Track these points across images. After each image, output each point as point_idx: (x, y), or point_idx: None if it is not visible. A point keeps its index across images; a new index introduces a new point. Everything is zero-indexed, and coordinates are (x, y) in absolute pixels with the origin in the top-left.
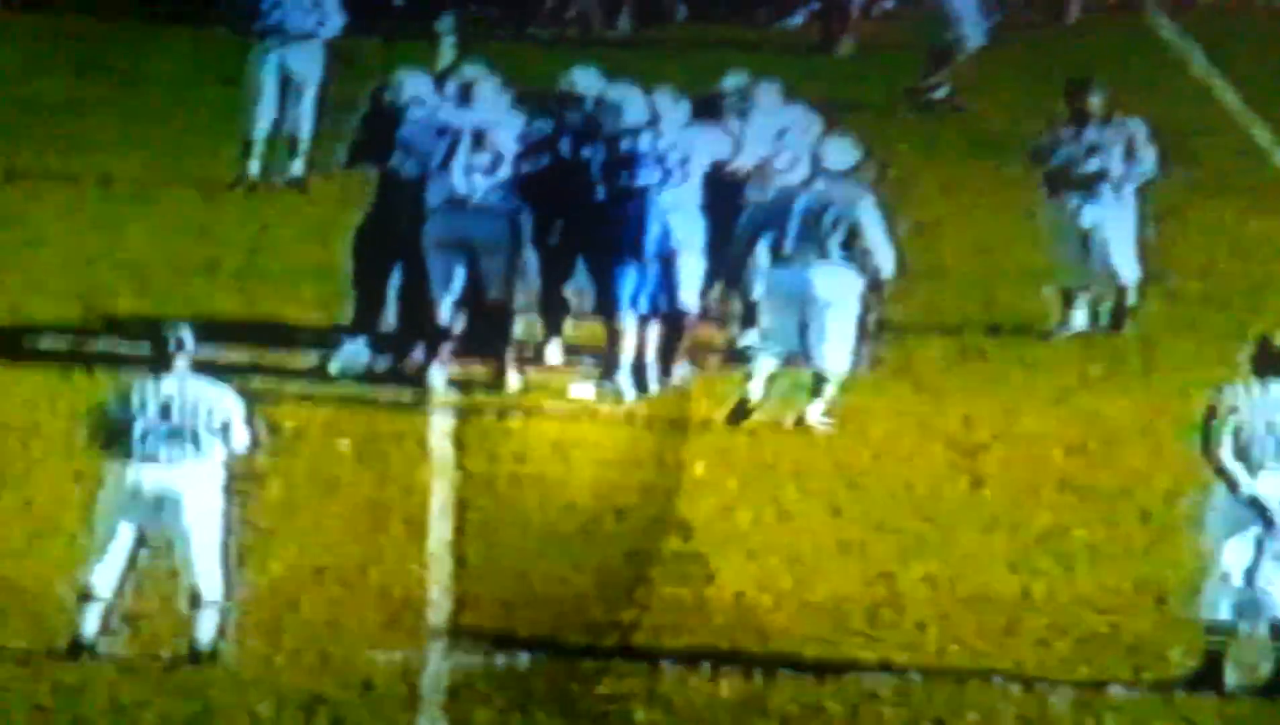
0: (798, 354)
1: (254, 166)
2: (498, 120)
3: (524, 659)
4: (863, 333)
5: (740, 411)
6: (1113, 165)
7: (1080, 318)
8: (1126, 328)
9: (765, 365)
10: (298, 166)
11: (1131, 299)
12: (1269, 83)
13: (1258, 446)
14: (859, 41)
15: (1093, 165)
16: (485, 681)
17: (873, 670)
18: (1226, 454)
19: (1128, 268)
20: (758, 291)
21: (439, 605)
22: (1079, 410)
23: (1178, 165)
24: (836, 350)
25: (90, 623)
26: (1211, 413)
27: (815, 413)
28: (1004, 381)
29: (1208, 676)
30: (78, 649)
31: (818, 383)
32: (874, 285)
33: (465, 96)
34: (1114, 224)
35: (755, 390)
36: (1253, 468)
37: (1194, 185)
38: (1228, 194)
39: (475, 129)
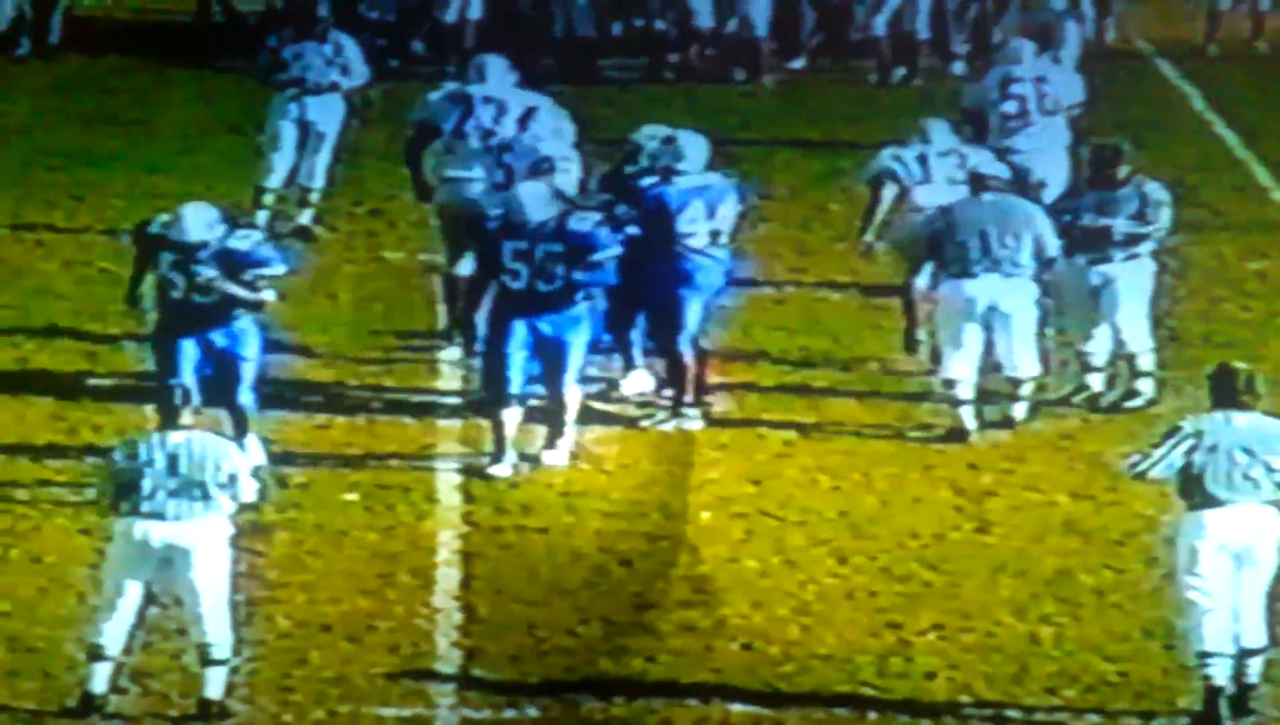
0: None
1: (262, 217)
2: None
3: (532, 711)
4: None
5: (957, 434)
6: (1124, 226)
7: (1097, 381)
8: (1139, 398)
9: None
10: (306, 217)
11: (1146, 366)
12: (1268, 123)
13: (1222, 476)
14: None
15: (1103, 224)
16: None
17: (883, 720)
18: (1161, 473)
19: (1135, 335)
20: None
21: (447, 657)
22: (1083, 454)
23: (1178, 203)
24: (1025, 356)
25: (99, 681)
26: (1168, 435)
27: (1020, 412)
28: (1008, 426)
29: (1207, 715)
30: (87, 708)
31: (1014, 388)
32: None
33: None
34: (1124, 287)
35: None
36: (1216, 498)
37: (1194, 225)
38: (1229, 234)
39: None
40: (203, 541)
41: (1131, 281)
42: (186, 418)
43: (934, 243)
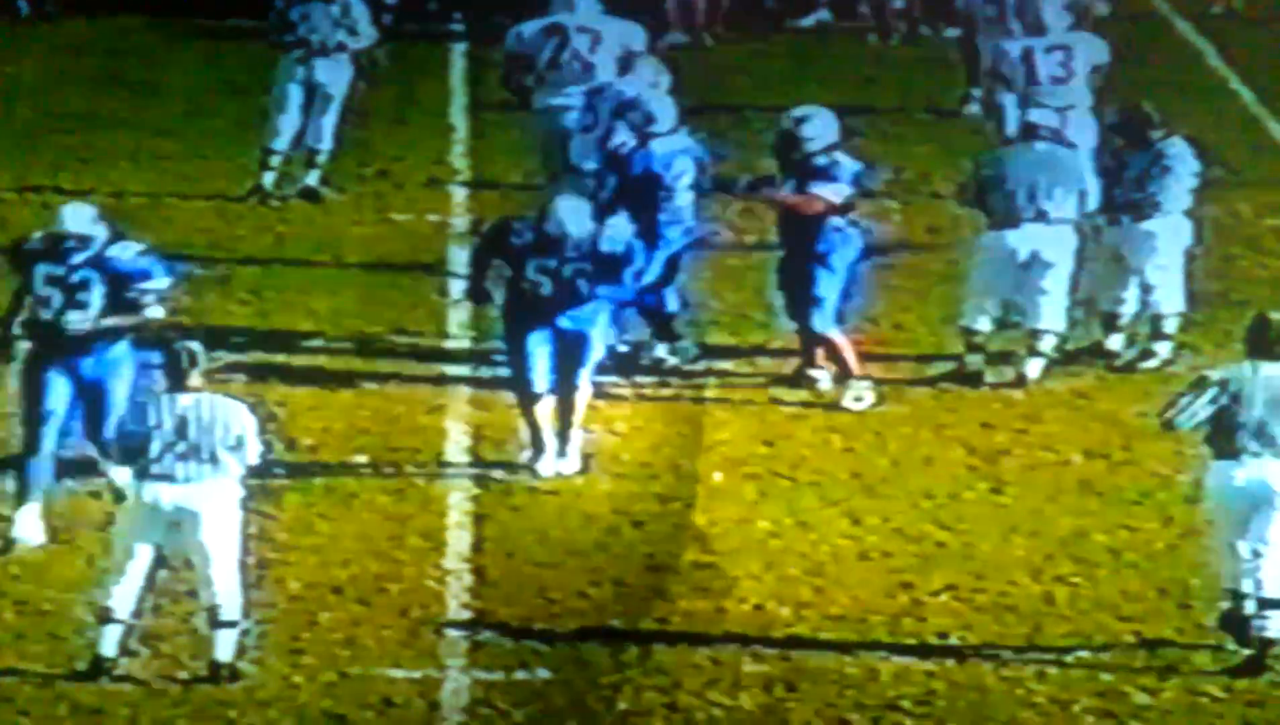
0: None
1: (268, 178)
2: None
3: (544, 673)
4: None
5: (963, 377)
6: (1150, 189)
7: (1116, 341)
8: (1159, 357)
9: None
10: (312, 178)
11: (1170, 328)
12: None
13: (1250, 426)
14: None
15: (1131, 188)
16: (505, 697)
17: (895, 680)
18: (1188, 423)
19: (1165, 295)
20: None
21: (458, 619)
22: (1098, 413)
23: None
24: (1055, 308)
25: (109, 644)
26: (1194, 385)
27: (1035, 370)
28: (1021, 384)
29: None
30: (97, 670)
31: (1033, 341)
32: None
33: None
34: (1151, 249)
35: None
36: (1244, 448)
37: (1210, 182)
38: (1246, 192)
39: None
40: (212, 503)
41: (1165, 241)
42: (194, 380)
43: (982, 189)
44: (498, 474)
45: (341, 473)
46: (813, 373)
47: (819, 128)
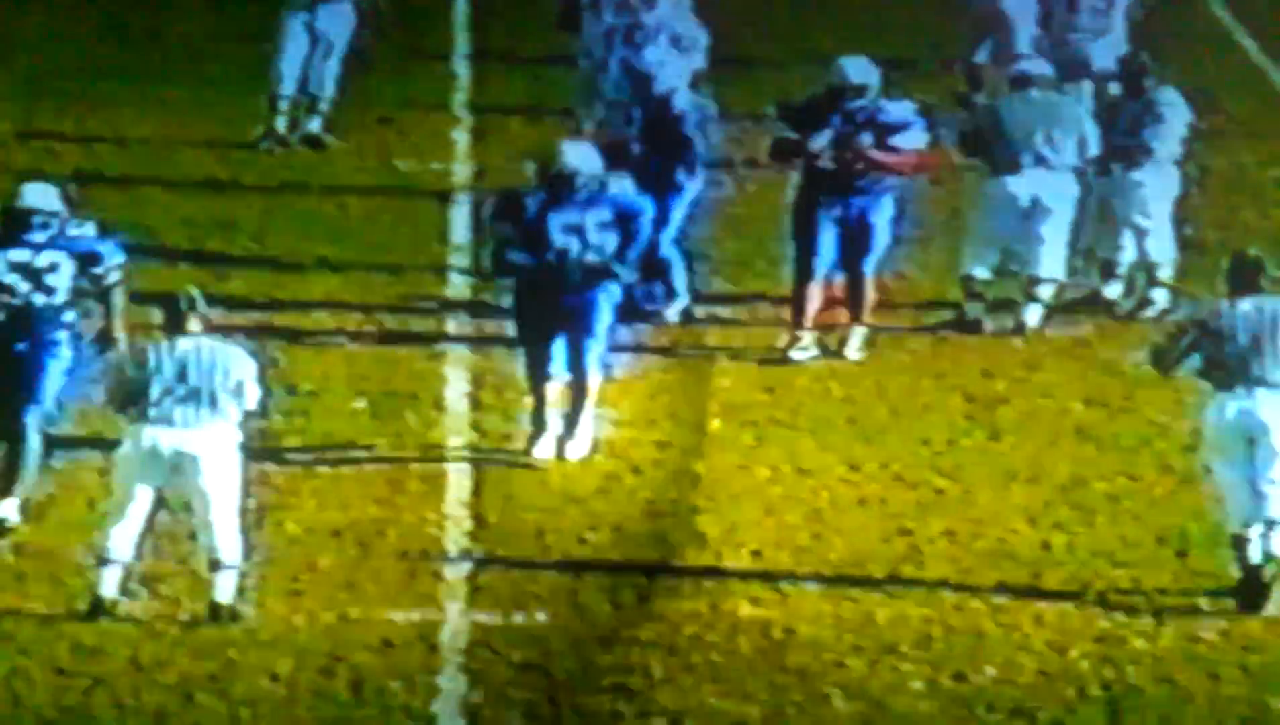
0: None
1: (281, 123)
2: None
3: (541, 616)
4: None
5: (963, 325)
6: (1143, 136)
7: (1115, 290)
8: (1156, 305)
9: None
10: (315, 125)
11: (1164, 275)
12: None
13: (1235, 361)
14: None
15: (1124, 136)
16: (504, 640)
17: (892, 624)
18: (1181, 367)
19: (1157, 244)
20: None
21: (457, 564)
22: (1097, 360)
23: (1196, 112)
24: (1055, 255)
25: (109, 585)
26: (1179, 328)
27: (1035, 318)
28: (1022, 332)
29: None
30: (97, 610)
31: (1032, 288)
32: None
33: None
34: (1142, 198)
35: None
36: (1236, 380)
37: (1213, 133)
38: (1249, 142)
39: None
40: (211, 448)
41: (1155, 190)
42: (194, 325)
43: (981, 139)
44: (496, 420)
45: (340, 418)
46: (798, 351)
47: (870, 77)
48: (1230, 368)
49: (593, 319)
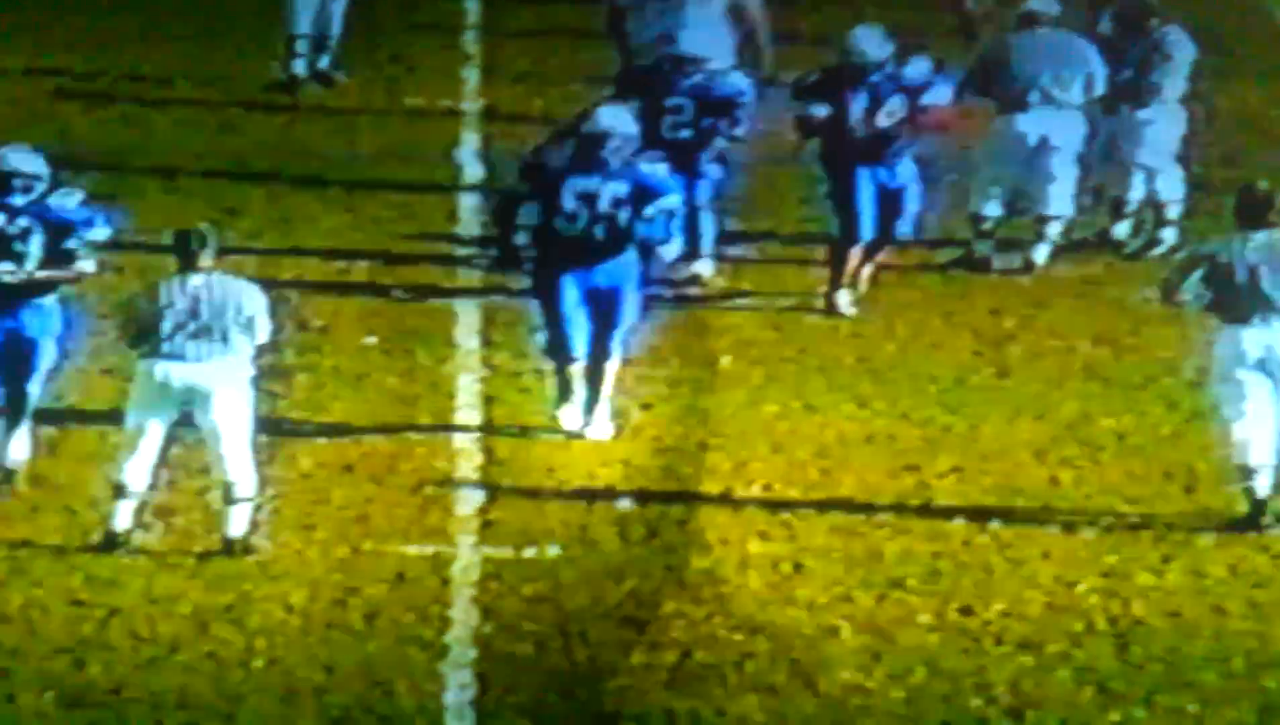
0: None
1: (300, 65)
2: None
3: (553, 550)
4: None
5: (971, 263)
6: (1151, 76)
7: (1123, 228)
8: (1164, 244)
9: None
10: (324, 62)
11: (1173, 213)
12: None
13: (1245, 293)
14: None
15: (1130, 75)
16: (515, 573)
17: (900, 560)
18: (1186, 297)
19: (1165, 183)
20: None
21: (468, 498)
22: (1105, 298)
23: (1203, 51)
24: (1063, 194)
25: (123, 517)
26: (1186, 261)
27: (1043, 256)
28: (1028, 270)
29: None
30: (111, 543)
31: (1041, 227)
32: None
33: None
34: (1149, 137)
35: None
36: (1245, 314)
37: (1220, 71)
38: (1254, 80)
39: None
40: (223, 382)
41: (1162, 129)
42: (205, 260)
43: (988, 78)
44: (505, 356)
45: (351, 353)
46: (839, 297)
47: (885, 49)
48: (1241, 301)
49: (620, 308)
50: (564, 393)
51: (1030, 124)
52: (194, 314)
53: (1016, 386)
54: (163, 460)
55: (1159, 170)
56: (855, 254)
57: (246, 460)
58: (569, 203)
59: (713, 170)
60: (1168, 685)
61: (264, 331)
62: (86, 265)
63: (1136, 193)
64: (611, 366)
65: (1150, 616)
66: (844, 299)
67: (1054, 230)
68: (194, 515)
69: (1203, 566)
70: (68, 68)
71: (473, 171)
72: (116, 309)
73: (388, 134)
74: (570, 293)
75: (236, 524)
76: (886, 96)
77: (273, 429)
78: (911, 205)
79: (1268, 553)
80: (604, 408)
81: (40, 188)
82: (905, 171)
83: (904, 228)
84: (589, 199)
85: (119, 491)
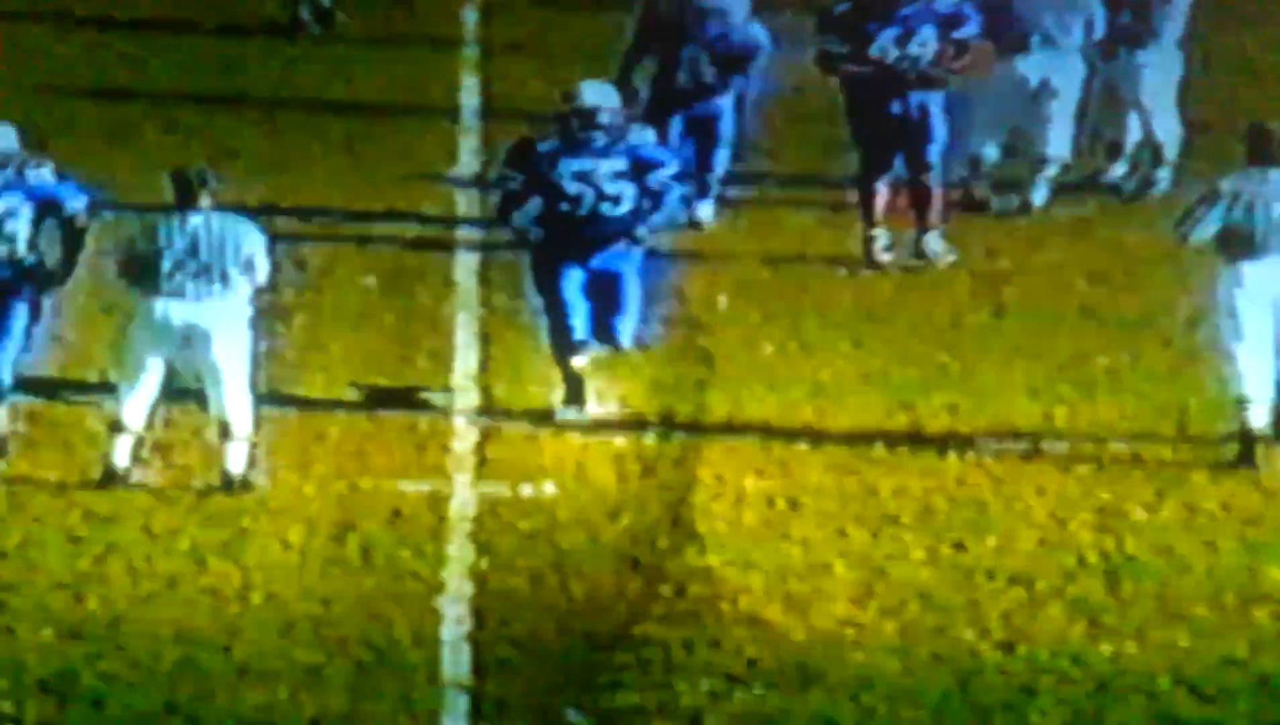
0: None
1: (305, 11)
2: None
3: (549, 488)
4: None
5: (969, 204)
6: (1152, 20)
7: (1120, 169)
8: (1160, 185)
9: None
10: (325, 1)
11: (1169, 155)
12: None
13: (1262, 231)
14: None
15: (1129, 17)
16: (511, 510)
17: (894, 495)
18: (1202, 234)
19: (1162, 124)
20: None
21: (465, 436)
22: (1101, 239)
23: None
24: (1062, 136)
25: (122, 454)
26: (1205, 197)
27: (1041, 197)
28: (1025, 211)
29: (1244, 455)
30: (110, 479)
31: (1038, 168)
32: None
33: None
34: (1146, 80)
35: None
36: (1254, 250)
37: (1218, 15)
38: (1252, 24)
39: None
40: (222, 321)
41: (1159, 72)
42: (205, 200)
43: (989, 21)
44: (503, 297)
45: (349, 293)
46: (875, 233)
47: None
48: (1251, 237)
49: (622, 293)
50: (573, 394)
51: (1031, 67)
52: (193, 253)
53: (1013, 325)
54: (161, 397)
55: (1156, 113)
56: (882, 191)
57: (245, 398)
58: (570, 186)
59: (726, 119)
60: (1159, 619)
61: (263, 271)
62: (86, 236)
63: (1133, 135)
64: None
65: (1142, 552)
66: (936, 245)
67: (1052, 172)
68: (192, 452)
69: (1195, 502)
70: (67, 9)
71: (472, 112)
72: (116, 247)
73: (387, 74)
74: (572, 279)
75: (235, 461)
76: (918, 26)
77: (271, 368)
78: (938, 137)
79: (1259, 488)
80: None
81: (16, 162)
82: (934, 101)
83: (931, 157)
84: (587, 178)
85: (118, 428)
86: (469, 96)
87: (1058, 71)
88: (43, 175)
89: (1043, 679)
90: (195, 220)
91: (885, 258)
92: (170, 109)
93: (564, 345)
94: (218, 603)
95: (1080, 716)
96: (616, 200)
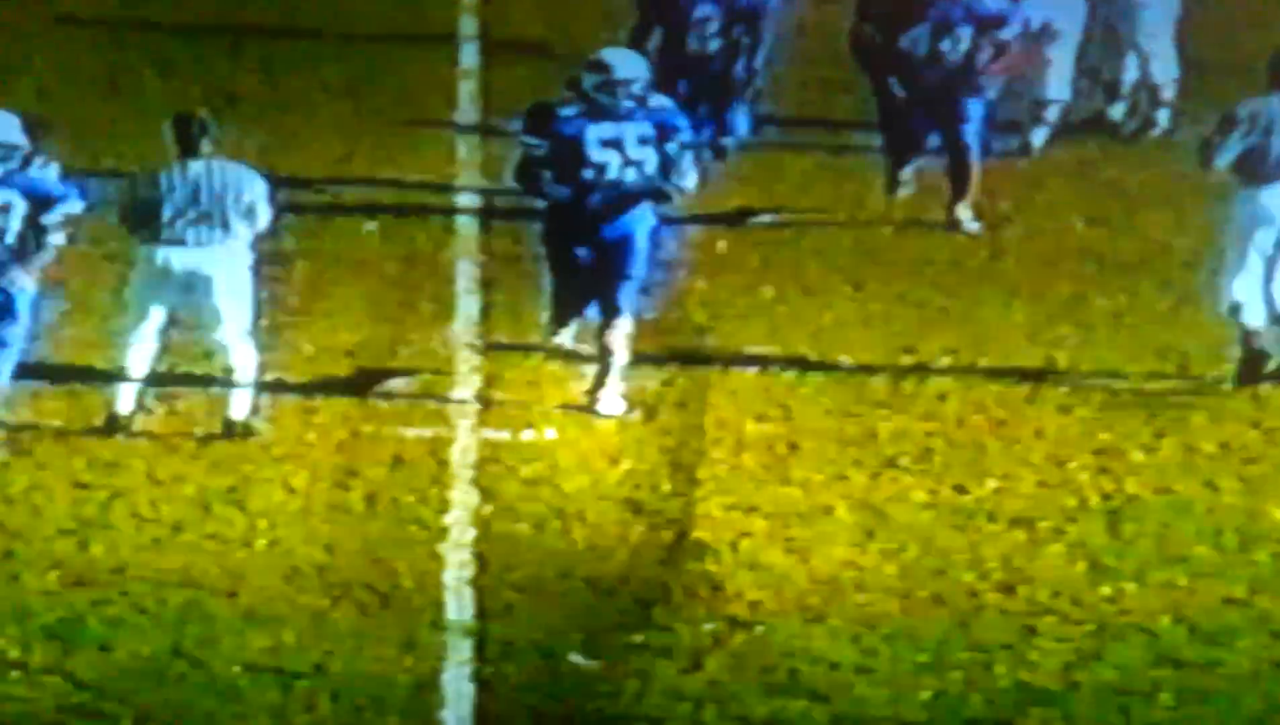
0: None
1: None
2: None
3: (550, 433)
4: None
5: None
6: None
7: (1118, 110)
8: (1159, 126)
9: None
10: None
11: (1167, 95)
12: None
13: (1273, 156)
14: None
15: None
16: (513, 454)
17: (894, 438)
18: (1225, 160)
19: (1159, 65)
20: None
21: (467, 381)
22: (1100, 180)
23: None
24: (1059, 77)
25: (126, 401)
26: (1224, 123)
27: (1040, 139)
28: (1025, 153)
29: (1246, 371)
30: (113, 426)
31: (1039, 111)
32: None
33: None
34: (1142, 19)
35: None
36: (1269, 175)
37: None
38: None
39: None
40: (224, 267)
41: (1157, 12)
42: (205, 147)
43: None
44: (506, 241)
45: (351, 239)
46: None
47: None
48: (1266, 159)
49: (629, 256)
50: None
51: (1032, 7)
52: (194, 200)
53: (1012, 267)
54: (164, 345)
55: (1154, 53)
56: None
57: (247, 345)
58: (596, 153)
59: (741, 110)
60: (1159, 560)
61: (264, 218)
62: (57, 238)
63: (1131, 75)
64: (623, 327)
65: (1142, 492)
66: (964, 213)
67: (1051, 113)
68: (196, 399)
69: (1195, 443)
70: None
71: (471, 57)
72: (117, 195)
73: (386, 19)
74: (582, 251)
75: (238, 407)
76: (956, 25)
77: (273, 314)
78: (973, 115)
79: (1259, 428)
80: (615, 380)
81: (18, 157)
82: (968, 110)
83: (968, 139)
84: (614, 144)
85: (121, 375)
86: (468, 39)
87: (1056, 13)
88: (46, 174)
89: (1043, 620)
90: (196, 167)
91: (972, 227)
92: (169, 55)
93: (564, 317)
94: (222, 548)
95: (1081, 657)
96: (639, 166)
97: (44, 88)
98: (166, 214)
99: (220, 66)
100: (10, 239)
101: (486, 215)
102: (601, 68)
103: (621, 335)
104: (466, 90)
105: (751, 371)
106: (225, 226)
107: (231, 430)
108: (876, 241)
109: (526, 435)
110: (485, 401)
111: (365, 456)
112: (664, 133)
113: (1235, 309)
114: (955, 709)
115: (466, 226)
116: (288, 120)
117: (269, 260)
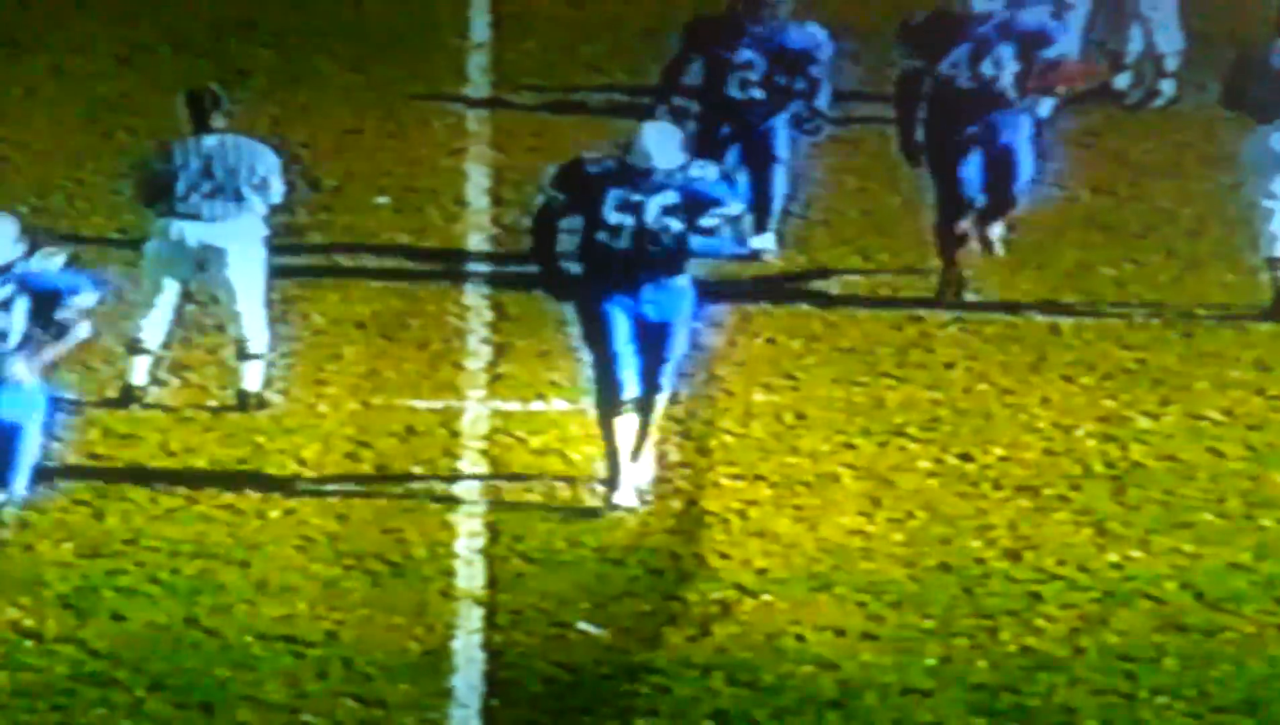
0: None
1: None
2: None
3: (560, 404)
4: None
5: None
6: None
7: (1123, 80)
8: (1164, 96)
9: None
10: None
11: (1171, 65)
12: None
13: None
14: None
15: None
16: (523, 425)
17: (901, 407)
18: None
19: (1163, 34)
20: None
21: (478, 353)
22: (1106, 150)
23: None
24: (1069, 48)
25: (139, 373)
26: (1243, 62)
27: (1046, 109)
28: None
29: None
30: (127, 398)
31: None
32: None
33: None
34: None
35: None
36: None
37: None
38: None
39: None
40: (237, 241)
41: None
42: (218, 121)
43: None
44: (516, 214)
45: (364, 212)
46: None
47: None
48: None
49: (670, 342)
50: (613, 468)
51: None
52: (208, 174)
53: (1019, 236)
54: (178, 317)
55: (1158, 23)
56: (964, 229)
57: (260, 318)
58: (611, 215)
59: (783, 148)
60: (1164, 526)
61: (276, 192)
62: (82, 330)
63: (1136, 46)
64: (659, 403)
65: (1147, 459)
66: (996, 231)
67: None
68: (209, 371)
69: (1200, 410)
70: None
71: (481, 30)
72: (131, 169)
73: None
74: (621, 327)
75: (251, 379)
76: (996, 44)
77: (284, 286)
78: (1025, 167)
79: (1264, 395)
80: (647, 452)
81: (18, 262)
82: (1018, 126)
83: (1016, 191)
84: (634, 209)
85: (135, 347)
86: (479, 14)
87: None
88: (47, 264)
89: (1049, 586)
90: (209, 142)
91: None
92: (182, 30)
93: (612, 401)
94: (236, 518)
95: (1087, 623)
96: (659, 235)
97: (58, 64)
98: (180, 188)
99: (231, 42)
100: (14, 338)
101: (497, 186)
102: (629, 149)
103: (658, 410)
104: (477, 63)
105: (758, 340)
106: (239, 200)
107: (244, 402)
108: (883, 211)
109: (536, 405)
110: (495, 373)
111: (376, 428)
112: (697, 204)
113: (1274, 263)
114: (961, 675)
115: (476, 200)
116: (299, 94)
117: (281, 233)
